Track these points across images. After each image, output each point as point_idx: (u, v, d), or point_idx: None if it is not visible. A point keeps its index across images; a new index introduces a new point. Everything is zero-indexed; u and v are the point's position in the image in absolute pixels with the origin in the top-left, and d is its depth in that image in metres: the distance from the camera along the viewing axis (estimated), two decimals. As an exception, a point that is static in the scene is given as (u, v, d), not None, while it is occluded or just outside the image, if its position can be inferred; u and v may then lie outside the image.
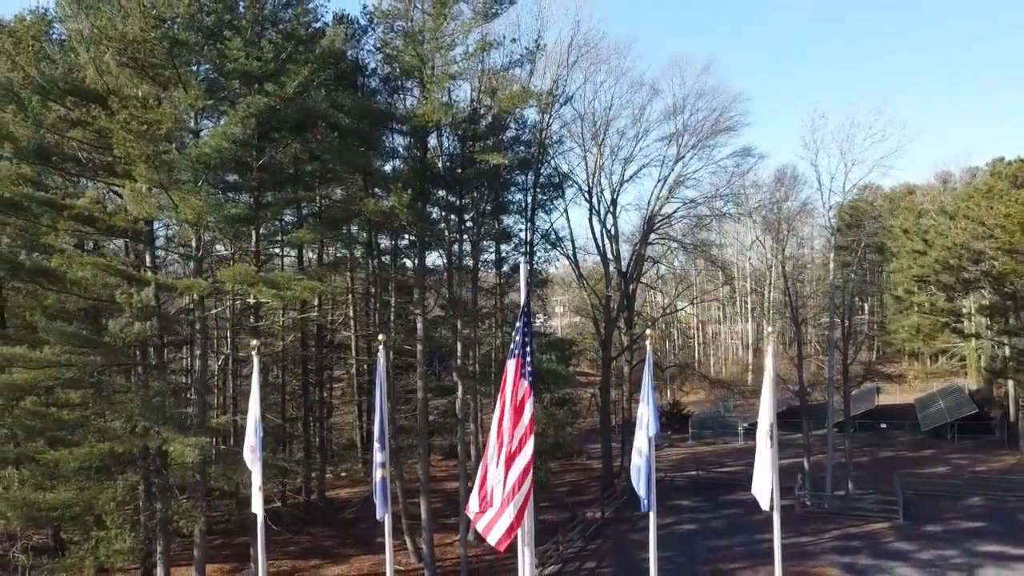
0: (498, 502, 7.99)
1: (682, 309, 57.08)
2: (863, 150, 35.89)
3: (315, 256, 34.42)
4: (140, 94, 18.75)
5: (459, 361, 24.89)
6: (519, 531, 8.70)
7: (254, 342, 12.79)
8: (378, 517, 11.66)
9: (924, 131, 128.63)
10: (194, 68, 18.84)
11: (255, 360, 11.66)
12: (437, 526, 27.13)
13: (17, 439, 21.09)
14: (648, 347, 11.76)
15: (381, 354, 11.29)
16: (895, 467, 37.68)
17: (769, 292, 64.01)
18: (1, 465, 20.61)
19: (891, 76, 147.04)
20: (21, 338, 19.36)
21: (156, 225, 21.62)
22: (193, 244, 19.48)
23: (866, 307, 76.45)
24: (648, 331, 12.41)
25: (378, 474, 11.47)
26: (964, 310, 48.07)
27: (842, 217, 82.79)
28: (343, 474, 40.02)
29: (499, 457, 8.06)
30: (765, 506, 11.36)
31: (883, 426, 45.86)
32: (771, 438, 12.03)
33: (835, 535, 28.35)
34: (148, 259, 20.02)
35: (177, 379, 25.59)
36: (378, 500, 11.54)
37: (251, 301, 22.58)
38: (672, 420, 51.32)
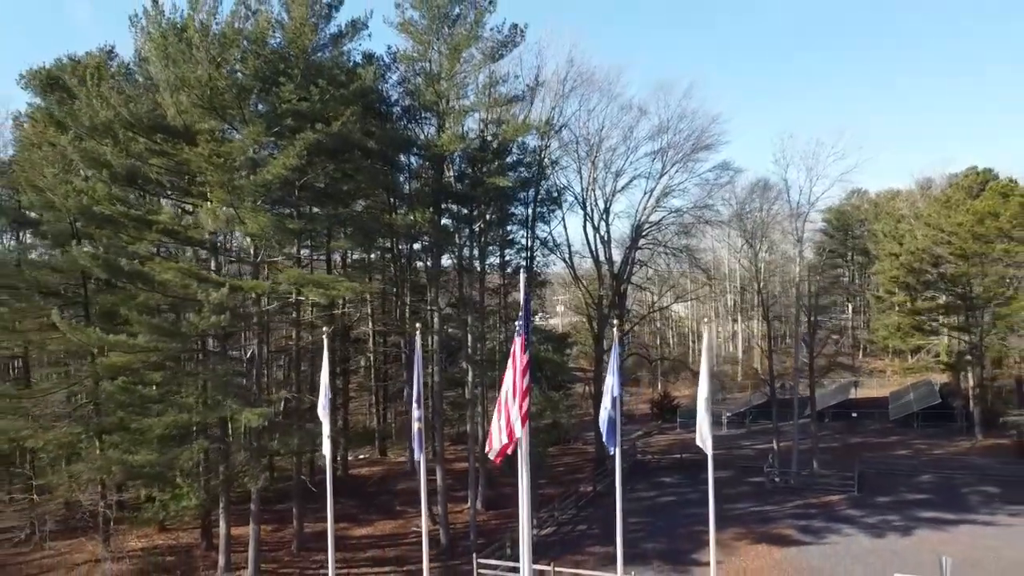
0: (516, 430, 11.87)
1: (667, 307, 61.13)
2: (826, 166, 39.58)
3: (339, 258, 38.59)
4: (207, 127, 22.91)
5: (469, 350, 29.00)
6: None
7: (325, 328, 16.90)
8: (415, 457, 15.79)
9: (910, 138, 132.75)
10: (255, 108, 22.93)
11: (325, 341, 15.77)
12: (449, 498, 31.17)
13: (101, 411, 25.32)
14: (615, 334, 15.85)
15: (418, 336, 15.39)
16: (861, 451, 41.74)
17: (757, 295, 68.03)
18: (91, 433, 24.92)
19: (882, 83, 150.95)
20: (107, 329, 23.54)
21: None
22: (251, 252, 23.64)
23: (850, 307, 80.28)
24: (615, 321, 16.51)
25: (415, 426, 15.54)
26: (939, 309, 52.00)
27: (829, 221, 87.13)
28: (361, 456, 44.22)
29: (513, 400, 11.95)
30: (708, 452, 15.32)
31: (854, 415, 49.91)
32: (707, 402, 16.03)
33: (796, 504, 32.44)
34: (213, 264, 24.16)
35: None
36: (415, 445, 15.63)
37: (292, 299, 26.84)
38: (663, 411, 55.43)
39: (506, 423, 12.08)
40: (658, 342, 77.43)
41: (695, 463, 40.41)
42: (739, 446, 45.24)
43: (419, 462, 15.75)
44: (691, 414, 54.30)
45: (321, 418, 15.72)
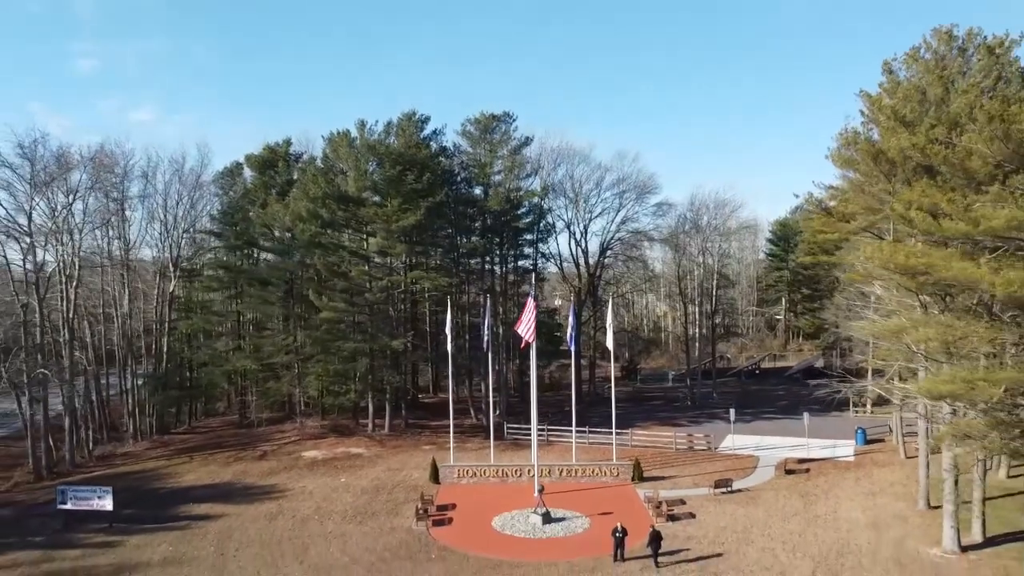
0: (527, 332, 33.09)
1: (624, 294, 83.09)
2: (720, 208, 61.25)
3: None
4: (367, 196, 44.28)
5: (500, 317, 50.41)
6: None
7: (449, 299, 38.09)
8: (484, 349, 36.81)
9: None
10: (394, 187, 44.16)
11: (449, 303, 36.82)
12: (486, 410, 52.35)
13: (301, 347, 46.64)
14: (572, 298, 36.99)
15: (489, 301, 36.57)
16: (755, 393, 63.10)
17: (679, 290, 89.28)
18: (300, 358, 46.34)
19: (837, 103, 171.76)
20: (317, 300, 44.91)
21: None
22: (389, 262, 45.01)
23: (784, 301, 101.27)
24: (570, 289, 37.74)
25: (486, 336, 36.53)
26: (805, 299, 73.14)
27: (775, 231, 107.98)
28: (419, 396, 65.66)
29: (527, 321, 33.16)
30: (610, 348, 36.58)
31: (757, 372, 71.35)
32: (610, 327, 37.11)
33: (694, 413, 53.87)
34: (367, 267, 45.43)
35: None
36: (486, 341, 36.60)
37: (401, 286, 48.13)
38: (628, 373, 76.89)
39: (526, 331, 33.37)
40: (631, 328, 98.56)
41: (639, 398, 62.02)
42: (675, 391, 66.65)
43: (487, 352, 36.70)
44: (647, 375, 75.94)
45: (447, 334, 36.80)
